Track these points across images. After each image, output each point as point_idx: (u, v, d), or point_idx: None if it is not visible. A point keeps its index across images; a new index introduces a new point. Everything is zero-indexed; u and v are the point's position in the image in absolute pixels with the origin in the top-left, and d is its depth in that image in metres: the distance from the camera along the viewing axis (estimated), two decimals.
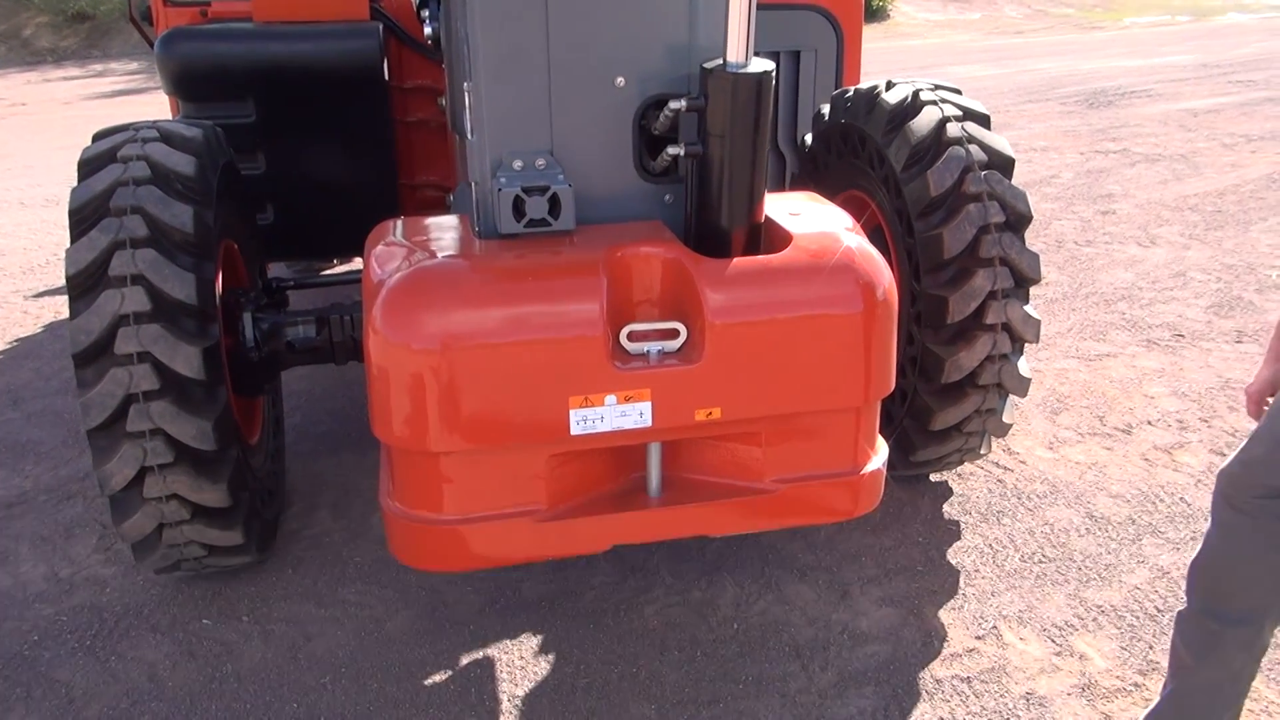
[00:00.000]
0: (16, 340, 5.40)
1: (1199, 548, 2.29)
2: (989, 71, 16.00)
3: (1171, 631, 2.37)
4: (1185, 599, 2.32)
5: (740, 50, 2.16)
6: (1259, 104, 12.37)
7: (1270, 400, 2.26)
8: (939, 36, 23.09)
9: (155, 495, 2.74)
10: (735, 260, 2.28)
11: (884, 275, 2.35)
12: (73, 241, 2.71)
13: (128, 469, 2.67)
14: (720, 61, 2.20)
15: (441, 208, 4.72)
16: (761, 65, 2.19)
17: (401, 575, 3.22)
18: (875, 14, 22.97)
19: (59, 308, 5.88)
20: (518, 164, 2.34)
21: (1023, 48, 20.21)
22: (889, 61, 16.43)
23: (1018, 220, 3.15)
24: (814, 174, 3.83)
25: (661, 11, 2.32)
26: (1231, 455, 2.24)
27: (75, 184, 2.84)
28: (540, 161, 2.35)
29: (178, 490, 2.74)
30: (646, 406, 2.20)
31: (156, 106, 13.33)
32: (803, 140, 3.98)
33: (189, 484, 2.74)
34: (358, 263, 5.86)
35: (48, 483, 3.88)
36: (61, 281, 6.38)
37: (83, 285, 2.66)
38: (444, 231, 2.51)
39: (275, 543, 3.39)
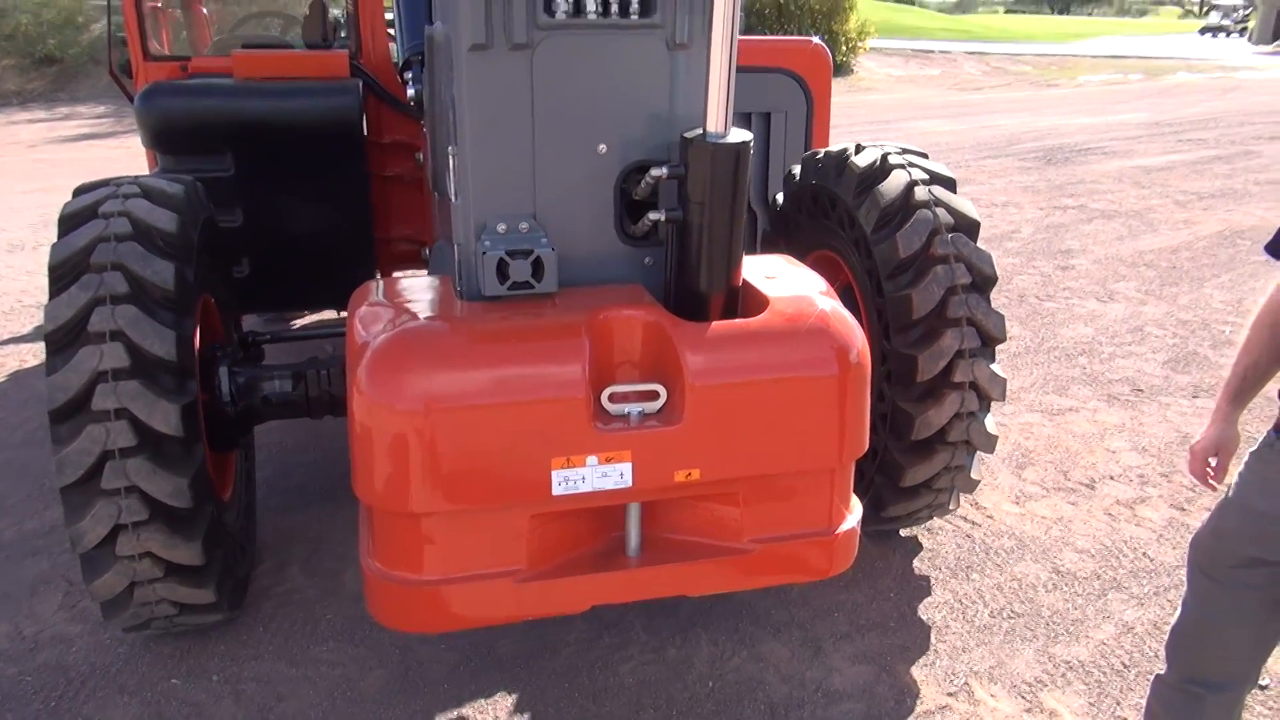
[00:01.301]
0: None
1: (1177, 615, 2.34)
2: (950, 127, 16.41)
3: (1147, 695, 2.41)
4: (1165, 665, 2.36)
5: (719, 121, 2.23)
6: (1209, 162, 12.79)
7: (1213, 460, 2.32)
8: (901, 92, 23.67)
9: (128, 553, 2.71)
10: (714, 324, 2.34)
11: (858, 339, 2.41)
12: (52, 297, 2.71)
13: (101, 527, 2.64)
14: (700, 131, 2.27)
15: (416, 261, 4.76)
16: (740, 136, 2.26)
17: (375, 633, 3.19)
18: (839, 69, 23.47)
19: (23, 356, 5.81)
20: (501, 227, 2.39)
21: (982, 104, 20.76)
22: (853, 115, 16.80)
23: (983, 282, 3.24)
24: (785, 233, 3.91)
25: (643, 82, 2.39)
26: (1202, 524, 2.30)
27: (55, 240, 2.83)
28: (524, 225, 2.40)
29: (151, 548, 2.71)
30: (627, 467, 2.23)
31: (123, 150, 13.30)
32: (774, 199, 4.08)
33: (163, 542, 2.72)
34: (330, 314, 5.88)
35: (11, 538, 3.81)
36: (25, 329, 6.32)
37: (61, 341, 2.65)
38: (427, 293, 2.54)
39: (246, 599, 3.35)
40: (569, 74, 2.32)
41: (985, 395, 3.24)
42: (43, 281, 7.22)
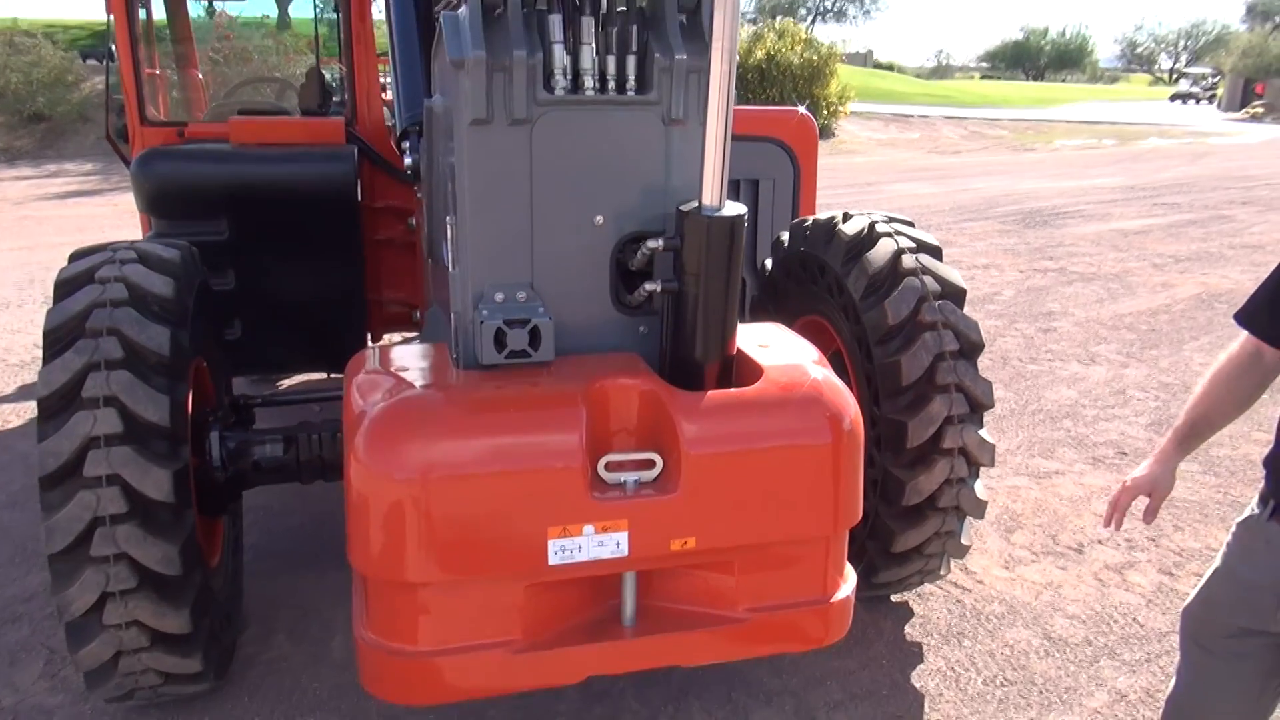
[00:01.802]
0: None
1: (1171, 685, 2.35)
2: (930, 189, 16.70)
3: None
4: None
5: (714, 194, 2.28)
6: (1184, 226, 13.05)
7: (1143, 500, 2.33)
8: (881, 154, 24.12)
9: (115, 622, 2.67)
10: (709, 393, 2.36)
11: (851, 407, 2.44)
12: (46, 362, 2.70)
13: (89, 595, 2.61)
14: (695, 204, 2.31)
15: (408, 324, 4.79)
16: (734, 209, 2.31)
17: (362, 703, 3.15)
18: (821, 131, 23.93)
19: (7, 416, 5.76)
20: (499, 296, 2.42)
21: (961, 167, 21.17)
22: (835, 178, 17.08)
23: (970, 349, 3.28)
24: (774, 298, 3.96)
25: (639, 156, 2.44)
26: (1193, 594, 2.31)
27: (51, 305, 2.84)
28: (521, 294, 2.43)
29: (139, 617, 2.68)
30: (623, 536, 2.23)
31: (110, 208, 13.35)
32: (763, 265, 4.13)
33: (151, 610, 2.68)
34: (318, 375, 5.86)
35: None
36: (8, 389, 6.27)
37: (54, 407, 2.64)
38: (423, 360, 2.56)
39: (231, 668, 3.30)
40: (567, 148, 2.37)
41: (974, 461, 3.26)
42: (27, 340, 7.24)
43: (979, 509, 3.31)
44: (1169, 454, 2.32)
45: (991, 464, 3.28)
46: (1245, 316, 2.14)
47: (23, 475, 4.82)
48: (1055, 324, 8.03)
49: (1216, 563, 2.25)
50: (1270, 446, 2.17)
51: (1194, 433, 2.28)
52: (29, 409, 5.79)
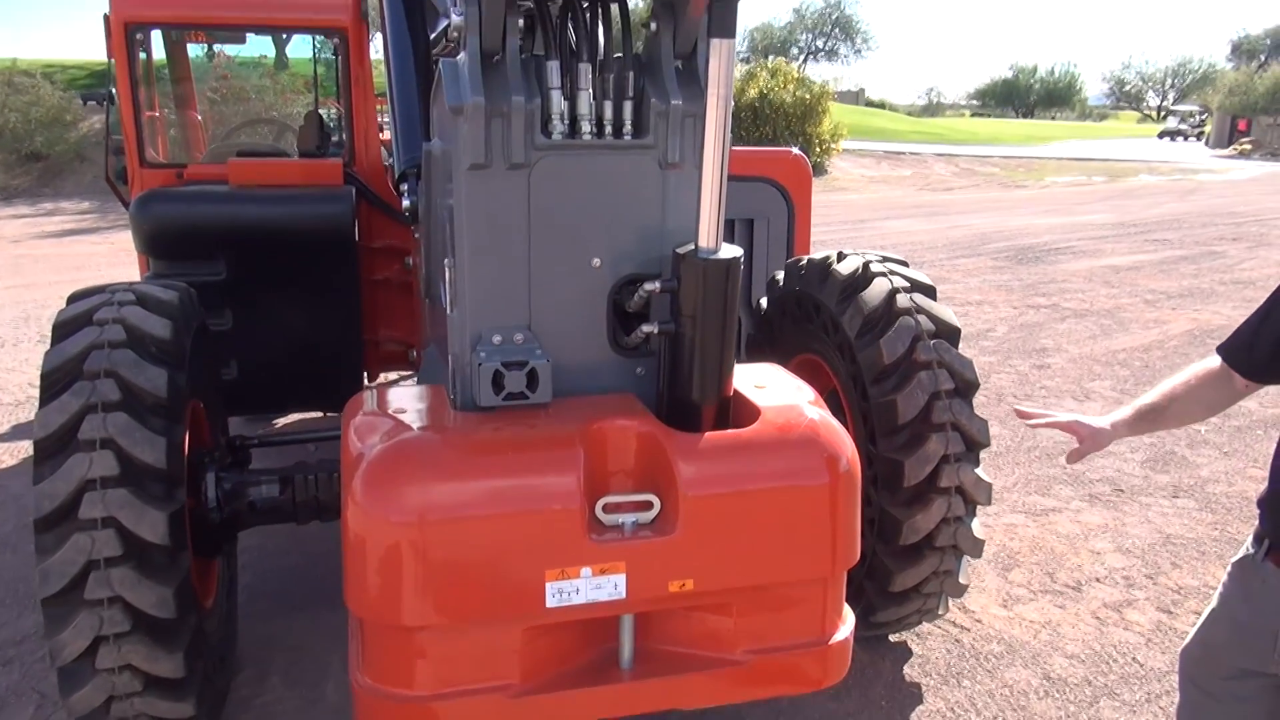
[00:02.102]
0: None
1: None
2: (922, 226, 16.82)
3: None
4: None
5: (710, 237, 2.30)
6: (1175, 262, 13.15)
7: (1078, 442, 2.38)
8: (873, 191, 24.31)
9: (108, 666, 2.65)
10: (707, 434, 2.36)
11: (847, 448, 2.45)
12: (43, 404, 2.70)
13: (82, 639, 2.59)
14: (692, 247, 2.33)
15: (404, 362, 4.80)
16: (730, 251, 2.33)
17: None
18: (814, 169, 24.14)
19: (0, 456, 5.74)
20: (497, 338, 2.43)
21: (952, 204, 21.34)
22: (829, 215, 17.20)
23: (966, 387, 3.30)
24: (769, 337, 3.98)
25: (636, 199, 2.46)
26: (1191, 635, 2.31)
27: (49, 346, 2.84)
28: (519, 336, 2.44)
29: (132, 660, 2.66)
30: (621, 579, 2.23)
31: (107, 246, 13.39)
32: (758, 304, 4.16)
33: (144, 654, 2.66)
34: (314, 416, 5.86)
35: None
36: (3, 428, 6.25)
37: (51, 449, 2.64)
38: (421, 402, 2.56)
39: (224, 712, 3.27)
40: (564, 191, 2.39)
41: (971, 499, 3.26)
42: (22, 379, 7.22)
43: (976, 548, 3.31)
44: (1121, 426, 2.37)
45: (988, 502, 3.28)
46: (1226, 351, 2.19)
47: (15, 516, 4.80)
48: (1049, 360, 8.06)
49: (1213, 604, 2.25)
50: (1265, 486, 2.18)
51: (1153, 419, 2.34)
52: (22, 449, 5.77)
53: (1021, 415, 2.50)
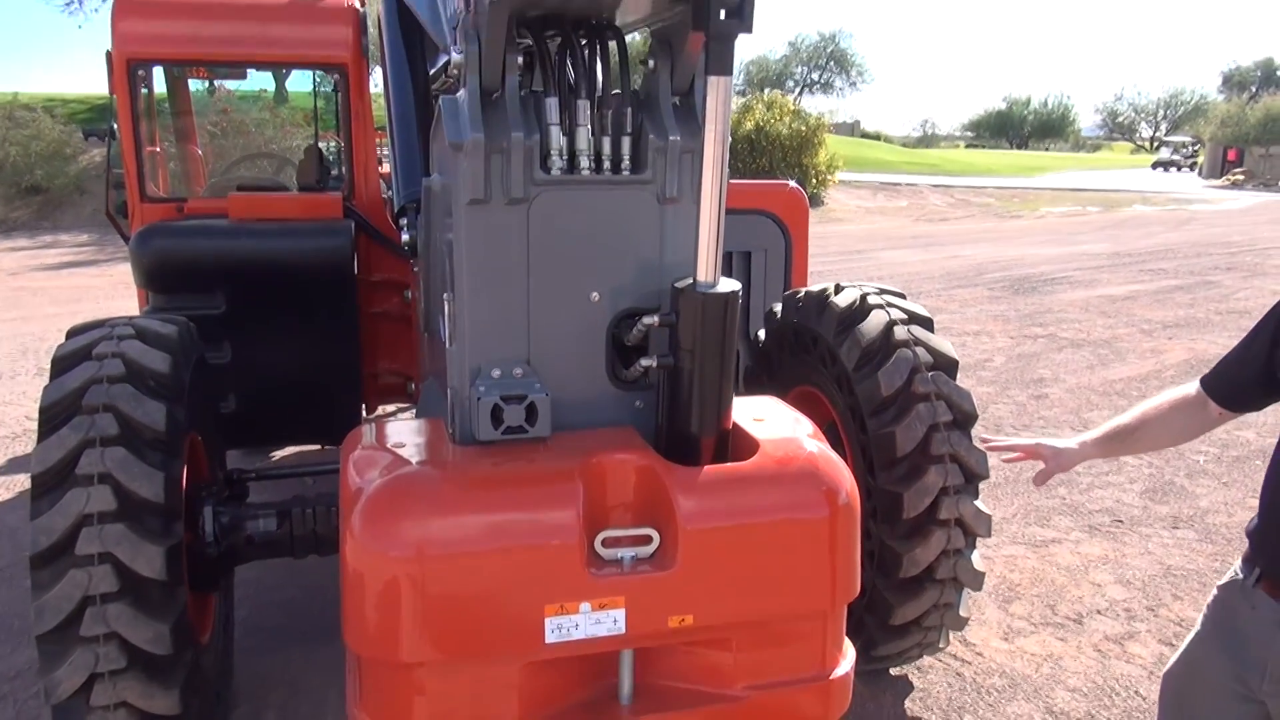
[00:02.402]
0: None
1: None
2: (919, 256, 16.89)
3: None
4: None
5: (709, 271, 2.31)
6: (1170, 292, 13.20)
7: (1043, 464, 2.41)
8: (869, 222, 24.44)
9: (103, 703, 2.62)
10: (706, 468, 2.36)
11: (847, 481, 2.44)
12: (41, 439, 2.70)
13: (77, 676, 2.57)
14: (690, 281, 2.34)
15: (402, 395, 4.79)
16: (728, 286, 2.34)
17: None
18: (810, 200, 24.29)
19: None
20: (496, 373, 2.43)
21: (948, 234, 21.44)
22: (825, 246, 17.28)
23: (964, 419, 3.30)
24: (767, 369, 3.98)
25: (634, 233, 2.48)
26: (1174, 657, 2.30)
27: (48, 380, 2.84)
28: (518, 370, 2.44)
29: (127, 698, 2.63)
30: (620, 614, 2.21)
31: (105, 279, 13.42)
32: (756, 336, 4.17)
33: (140, 691, 2.64)
34: (312, 448, 5.85)
35: None
36: None
37: (48, 484, 2.63)
38: (419, 437, 2.56)
39: None
40: (563, 226, 2.41)
41: (971, 532, 3.26)
42: (19, 412, 7.21)
43: (977, 580, 3.29)
44: (1090, 446, 2.40)
45: (988, 535, 3.27)
46: (1207, 379, 2.25)
47: (10, 550, 4.77)
48: (1047, 391, 8.07)
49: (1199, 628, 2.25)
50: (1254, 517, 2.18)
51: (1124, 441, 2.38)
52: (18, 482, 5.75)
53: (985, 444, 2.51)
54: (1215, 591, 2.23)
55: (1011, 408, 7.56)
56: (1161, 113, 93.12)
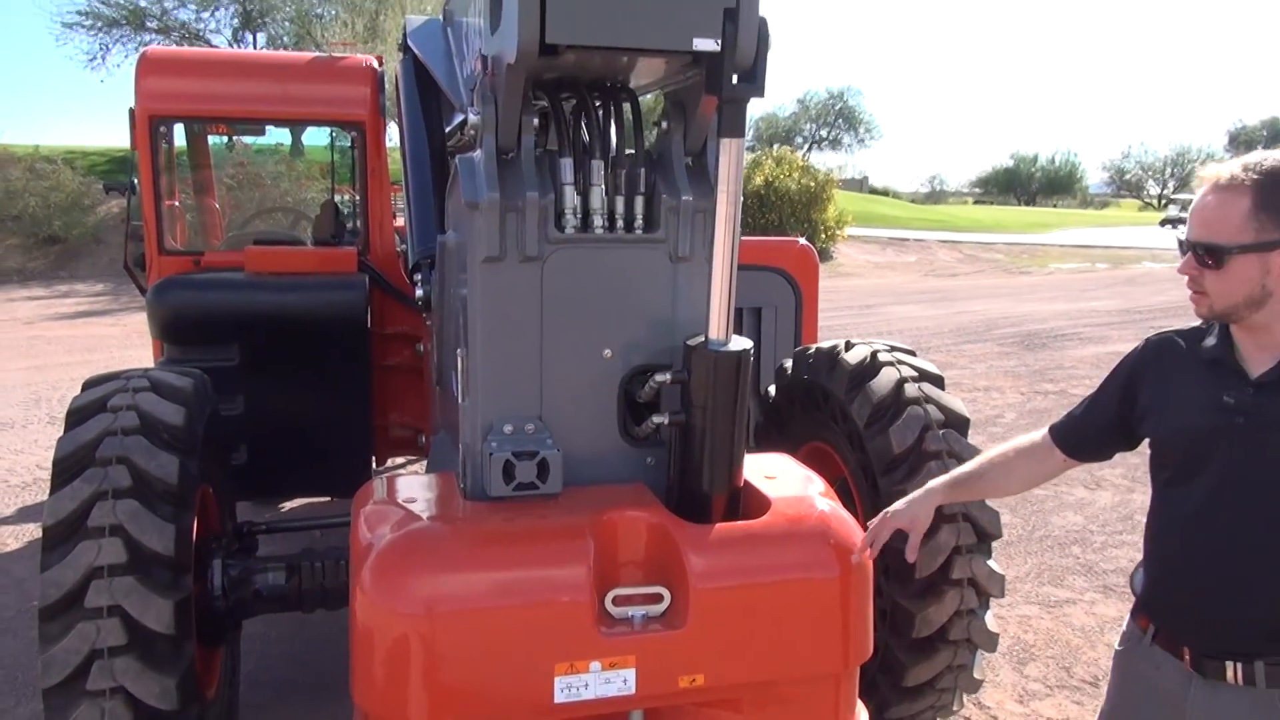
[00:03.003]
0: None
1: None
2: (928, 312, 16.93)
3: None
4: None
5: (720, 329, 2.33)
6: None
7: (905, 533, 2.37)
8: (878, 277, 24.54)
9: None
10: (718, 526, 2.36)
11: (859, 540, 2.43)
12: (54, 491, 2.70)
13: None
14: (702, 339, 2.36)
15: (413, 447, 4.80)
16: (740, 344, 2.36)
17: None
18: (819, 255, 24.42)
19: (4, 539, 5.70)
20: (508, 428, 2.44)
21: (958, 289, 21.50)
22: (835, 300, 17.33)
23: None
24: (778, 425, 3.98)
25: (647, 291, 2.50)
26: None
27: (62, 431, 2.86)
28: (530, 426, 2.45)
29: None
30: (631, 673, 2.19)
31: (119, 328, 13.53)
32: (766, 392, 4.17)
33: None
34: (320, 501, 5.84)
35: None
36: (8, 510, 6.24)
37: (59, 536, 2.63)
38: (431, 491, 2.56)
39: None
40: (576, 284, 2.43)
41: (984, 592, 3.22)
42: (30, 461, 7.24)
43: (991, 641, 3.25)
44: (935, 493, 2.40)
45: (1001, 595, 3.24)
46: (1056, 430, 2.28)
47: (17, 600, 4.75)
48: None
49: (1105, 702, 2.23)
50: (1137, 568, 2.18)
51: (969, 487, 2.41)
52: (28, 531, 5.75)
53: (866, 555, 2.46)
54: (1114, 660, 2.20)
55: None
56: (1169, 170, 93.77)
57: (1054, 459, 2.28)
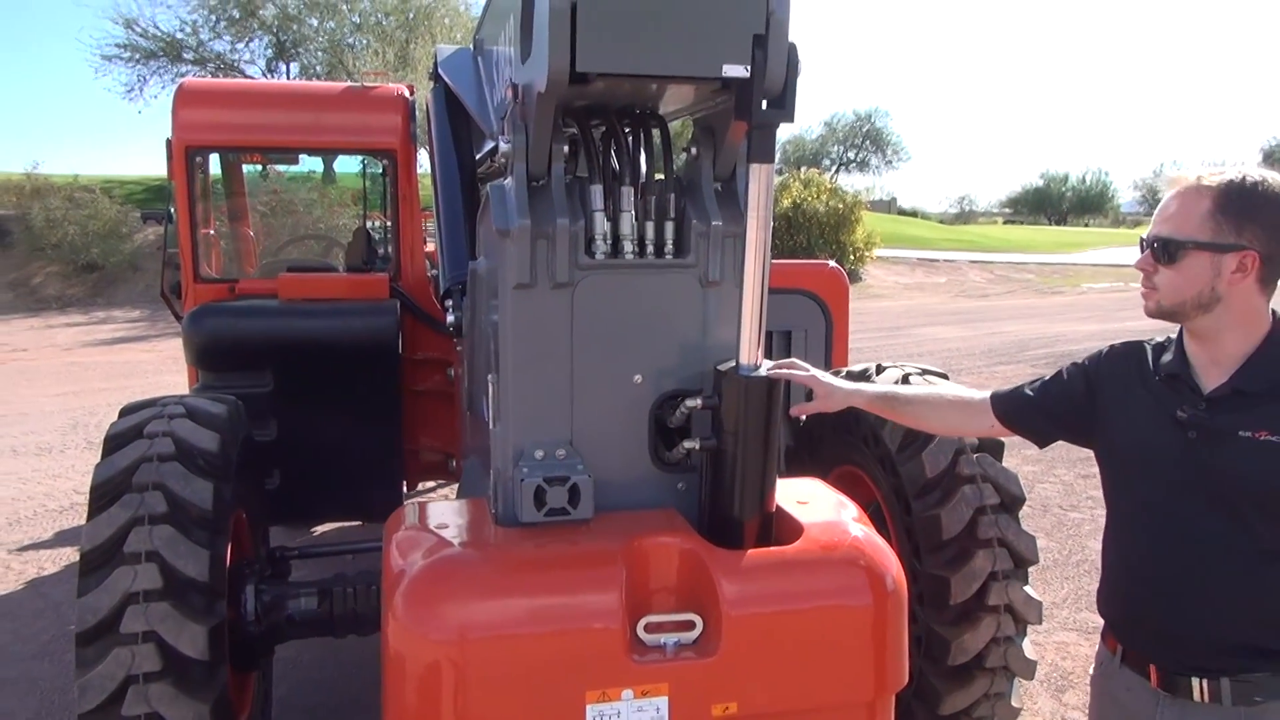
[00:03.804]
0: None
1: None
2: (959, 333, 16.79)
3: None
4: None
5: (751, 354, 2.32)
6: None
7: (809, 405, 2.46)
8: (909, 298, 24.39)
9: None
10: (750, 552, 2.34)
11: (893, 566, 2.41)
12: (91, 517, 2.74)
13: None
14: (733, 364, 2.36)
15: (444, 472, 4.82)
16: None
17: None
18: (848, 276, 24.31)
19: (43, 563, 5.78)
20: (539, 454, 2.44)
21: (989, 310, 21.32)
22: (864, 322, 17.24)
23: (1011, 502, 3.25)
24: (810, 449, 3.96)
25: (677, 316, 2.50)
26: None
27: (100, 460, 2.90)
28: (560, 452, 2.45)
29: None
30: (664, 701, 2.18)
31: (155, 354, 13.72)
32: (797, 416, 4.14)
33: None
34: (353, 524, 5.87)
35: None
36: (46, 534, 6.32)
37: (96, 561, 2.67)
38: (462, 517, 2.56)
39: None
40: (607, 310, 2.44)
41: (1021, 619, 3.18)
42: (67, 486, 7.33)
43: (1028, 669, 3.20)
44: (861, 394, 2.46)
45: (1039, 621, 3.19)
46: (997, 398, 2.30)
47: (55, 625, 4.81)
48: (1093, 469, 7.83)
49: None
50: (1100, 585, 2.16)
51: (893, 407, 2.46)
52: (65, 556, 5.82)
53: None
54: (1090, 684, 2.19)
55: (1059, 487, 7.41)
56: None
57: (984, 421, 2.32)
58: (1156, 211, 2.00)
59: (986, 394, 2.34)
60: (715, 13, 2.06)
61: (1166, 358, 2.03)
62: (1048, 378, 2.27)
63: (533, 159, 2.35)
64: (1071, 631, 4.84)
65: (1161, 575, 1.97)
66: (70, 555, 5.70)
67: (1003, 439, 3.35)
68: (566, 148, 2.43)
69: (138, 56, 26.71)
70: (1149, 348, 2.11)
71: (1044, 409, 2.24)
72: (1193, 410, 1.93)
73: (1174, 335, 2.06)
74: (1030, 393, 2.26)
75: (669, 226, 2.47)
